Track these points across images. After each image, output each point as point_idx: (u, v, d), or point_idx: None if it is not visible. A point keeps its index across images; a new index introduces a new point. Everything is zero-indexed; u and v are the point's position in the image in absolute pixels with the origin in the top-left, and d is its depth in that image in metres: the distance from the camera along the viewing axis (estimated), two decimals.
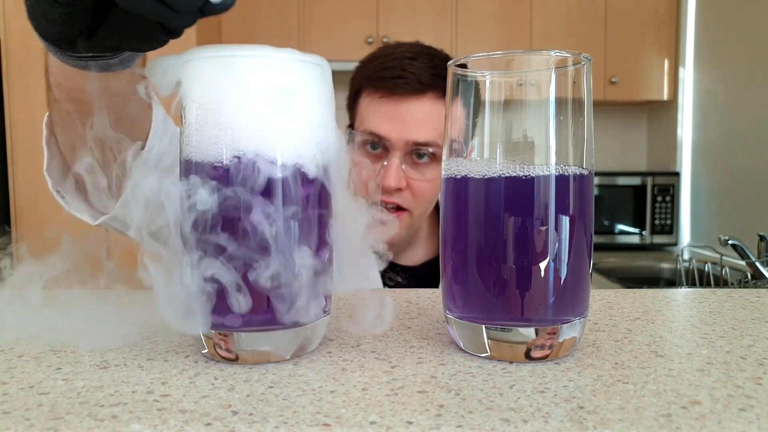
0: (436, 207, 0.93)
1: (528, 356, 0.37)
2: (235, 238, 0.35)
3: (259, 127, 0.35)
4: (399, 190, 0.80)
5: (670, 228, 2.53)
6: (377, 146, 0.81)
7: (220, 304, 0.36)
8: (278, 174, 0.35)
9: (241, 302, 0.35)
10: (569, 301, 0.37)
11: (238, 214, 0.35)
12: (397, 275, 0.88)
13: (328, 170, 0.39)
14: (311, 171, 0.37)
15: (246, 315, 0.35)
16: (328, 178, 0.39)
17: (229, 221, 0.35)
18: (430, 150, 0.80)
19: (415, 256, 0.93)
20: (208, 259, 0.35)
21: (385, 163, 0.79)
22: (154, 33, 0.34)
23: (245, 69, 0.35)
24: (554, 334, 0.37)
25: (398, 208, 0.82)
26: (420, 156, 0.80)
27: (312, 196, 0.37)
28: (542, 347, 0.37)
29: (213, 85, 0.35)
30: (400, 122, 0.78)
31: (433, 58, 0.81)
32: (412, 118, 0.78)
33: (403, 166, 0.80)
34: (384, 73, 0.80)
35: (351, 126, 0.85)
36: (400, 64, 0.79)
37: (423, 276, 0.91)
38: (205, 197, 0.34)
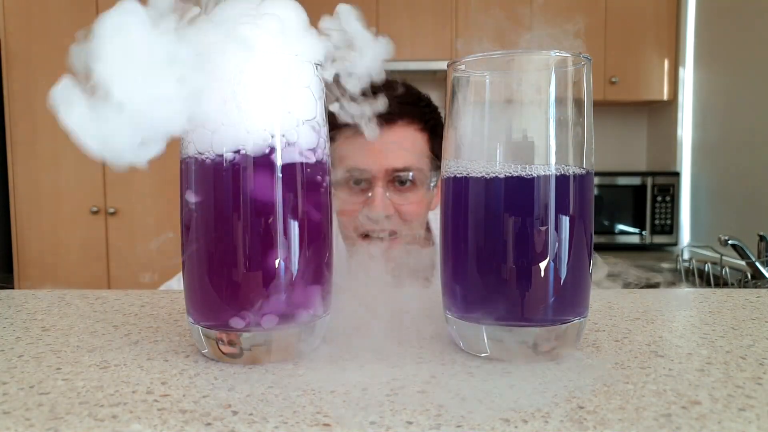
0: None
1: (536, 350, 0.37)
2: (244, 232, 0.35)
3: (252, 119, 0.35)
4: (388, 217, 0.84)
5: (670, 228, 2.53)
6: (360, 181, 0.85)
7: (225, 303, 0.36)
8: (280, 168, 0.35)
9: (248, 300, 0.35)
10: (569, 301, 0.37)
11: (242, 210, 0.35)
12: None
13: (325, 163, 0.39)
14: (311, 162, 0.37)
15: (250, 314, 0.35)
16: (326, 173, 0.39)
17: (227, 217, 0.35)
18: (410, 174, 0.85)
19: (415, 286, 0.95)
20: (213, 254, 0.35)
21: (370, 194, 0.84)
22: None
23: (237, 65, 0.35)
24: (557, 330, 0.37)
25: (391, 235, 0.86)
26: (402, 182, 0.85)
27: (313, 188, 0.37)
28: (548, 339, 0.37)
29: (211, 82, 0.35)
30: (377, 153, 0.83)
31: (399, 88, 0.87)
32: (387, 147, 0.83)
33: (388, 194, 0.84)
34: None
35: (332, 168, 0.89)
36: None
37: None
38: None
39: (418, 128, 0.86)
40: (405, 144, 0.85)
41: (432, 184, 0.87)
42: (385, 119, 0.83)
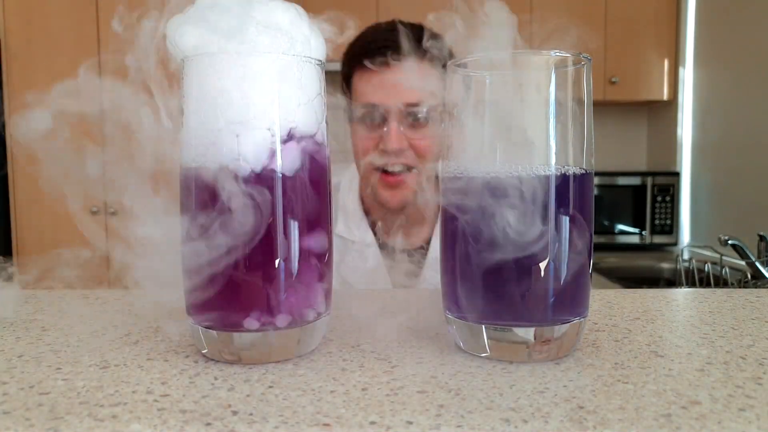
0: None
1: (535, 350, 0.37)
2: (248, 236, 0.35)
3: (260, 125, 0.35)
4: (402, 151, 0.88)
5: (670, 228, 2.53)
6: (375, 116, 0.89)
7: (225, 303, 0.36)
8: (280, 169, 0.35)
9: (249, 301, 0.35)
10: (569, 301, 0.37)
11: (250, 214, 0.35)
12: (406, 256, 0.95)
13: (324, 160, 0.39)
14: (315, 163, 0.37)
15: (250, 314, 0.35)
16: (326, 170, 0.39)
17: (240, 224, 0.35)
18: (424, 110, 0.88)
19: (422, 234, 0.98)
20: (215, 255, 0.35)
21: (386, 129, 0.88)
22: None
23: (243, 68, 0.35)
24: (551, 333, 0.37)
25: (406, 169, 0.90)
26: (416, 118, 0.88)
27: (315, 189, 0.37)
28: (540, 351, 0.37)
29: (212, 84, 0.35)
30: (392, 89, 0.87)
31: (411, 27, 0.91)
32: (401, 83, 0.87)
33: (402, 129, 0.87)
34: (370, 47, 0.89)
35: (350, 104, 0.95)
36: (382, 36, 0.90)
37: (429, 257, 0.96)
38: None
39: (433, 65, 0.89)
40: (419, 81, 0.88)
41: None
42: (399, 56, 0.87)
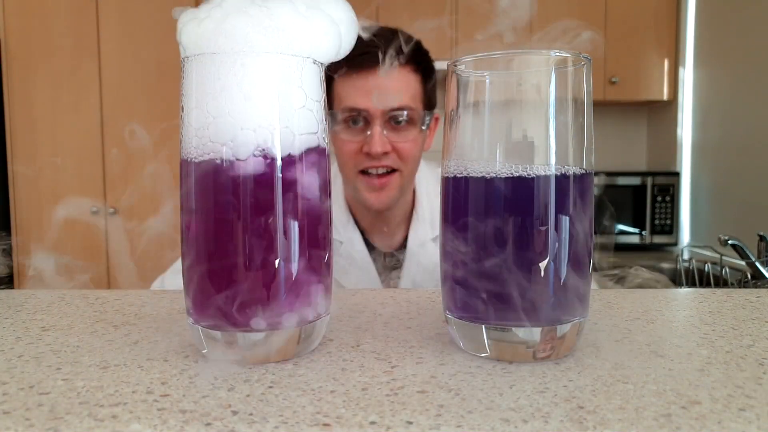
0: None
1: (535, 350, 0.37)
2: (251, 235, 0.35)
3: (258, 121, 0.35)
4: (386, 154, 0.89)
5: (670, 228, 2.53)
6: (358, 120, 0.89)
7: (230, 303, 0.36)
8: (280, 169, 0.35)
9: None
10: (569, 301, 0.37)
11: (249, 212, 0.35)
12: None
13: (324, 161, 0.39)
14: (311, 164, 0.37)
15: (256, 314, 0.35)
16: (327, 169, 0.39)
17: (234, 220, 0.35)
18: (406, 114, 0.89)
19: (401, 231, 1.01)
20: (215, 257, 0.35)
21: (369, 132, 0.89)
22: None
23: (242, 67, 0.35)
24: (554, 333, 0.37)
25: (389, 171, 0.91)
26: (398, 121, 0.89)
27: (315, 187, 0.37)
28: (544, 350, 0.37)
29: (211, 82, 0.35)
30: (375, 92, 0.88)
31: (393, 33, 0.93)
32: (384, 87, 0.88)
33: (385, 132, 0.88)
34: (351, 53, 0.88)
35: (330, 109, 0.92)
36: (364, 42, 0.88)
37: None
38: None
39: (412, 70, 0.91)
40: (400, 85, 0.90)
41: (425, 125, 0.92)
42: (382, 61, 0.87)
